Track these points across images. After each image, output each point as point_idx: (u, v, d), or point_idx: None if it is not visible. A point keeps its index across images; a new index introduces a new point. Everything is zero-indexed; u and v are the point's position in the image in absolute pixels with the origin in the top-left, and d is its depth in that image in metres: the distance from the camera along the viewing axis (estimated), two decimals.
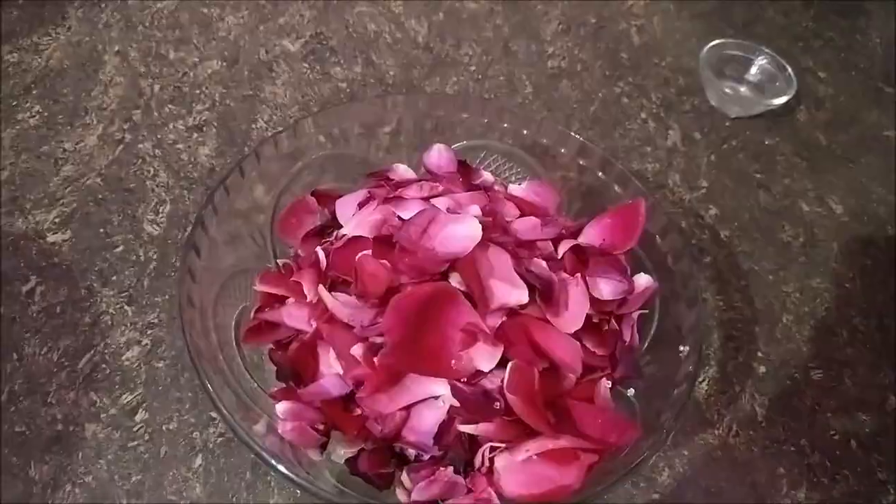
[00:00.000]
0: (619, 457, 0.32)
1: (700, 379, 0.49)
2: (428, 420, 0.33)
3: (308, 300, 0.37)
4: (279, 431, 0.35)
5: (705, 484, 0.45)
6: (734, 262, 0.56)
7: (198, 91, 0.62)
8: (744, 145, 0.64)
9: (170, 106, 0.61)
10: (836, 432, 0.48)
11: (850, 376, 0.50)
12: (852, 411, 0.49)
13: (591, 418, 0.34)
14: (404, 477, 0.33)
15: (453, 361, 0.33)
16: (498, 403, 0.32)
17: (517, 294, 0.34)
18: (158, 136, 0.58)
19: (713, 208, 0.59)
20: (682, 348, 0.35)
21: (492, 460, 0.33)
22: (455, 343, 0.33)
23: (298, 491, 0.43)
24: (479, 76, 0.66)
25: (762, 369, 0.50)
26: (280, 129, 0.44)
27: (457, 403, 0.32)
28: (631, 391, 0.37)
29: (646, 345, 0.38)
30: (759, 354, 0.51)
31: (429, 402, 0.33)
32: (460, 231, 0.36)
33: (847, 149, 0.65)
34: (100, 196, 0.54)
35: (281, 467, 0.31)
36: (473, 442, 0.33)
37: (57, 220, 0.53)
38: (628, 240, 0.39)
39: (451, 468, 0.33)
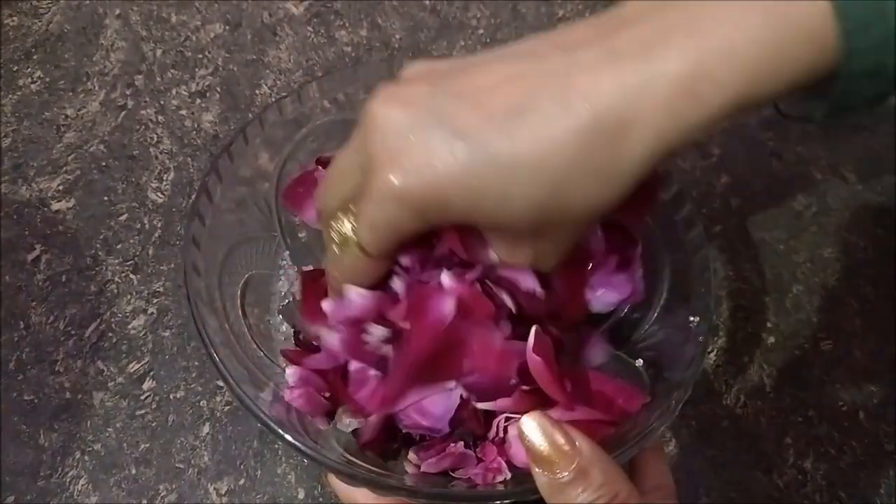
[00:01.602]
0: (628, 428, 0.32)
1: (708, 349, 0.49)
2: (440, 406, 0.32)
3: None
4: (286, 399, 0.35)
5: (712, 454, 0.45)
6: (744, 231, 0.55)
7: (200, 55, 0.61)
8: (757, 112, 0.62)
9: (172, 71, 0.60)
10: (844, 403, 0.48)
11: (859, 347, 0.50)
12: (861, 382, 0.49)
13: (599, 385, 0.34)
14: (411, 455, 0.33)
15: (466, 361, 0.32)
16: (513, 380, 0.32)
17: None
18: (161, 102, 0.58)
19: (725, 176, 0.58)
20: (691, 318, 0.35)
21: (505, 430, 0.33)
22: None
23: (306, 459, 0.43)
24: (488, 39, 0.64)
25: (771, 340, 0.50)
26: (284, 94, 0.43)
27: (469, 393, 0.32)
28: (640, 362, 0.37)
29: (655, 315, 0.38)
30: (769, 325, 0.51)
31: (442, 392, 0.33)
32: None
33: (862, 116, 0.63)
34: (103, 163, 0.54)
35: (288, 436, 0.31)
36: (489, 416, 0.33)
37: (60, 187, 0.52)
38: (641, 212, 0.38)
39: (461, 443, 0.33)
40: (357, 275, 0.31)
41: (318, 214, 0.33)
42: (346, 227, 0.29)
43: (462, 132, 0.25)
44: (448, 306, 0.31)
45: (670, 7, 0.25)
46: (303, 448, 0.31)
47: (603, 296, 0.36)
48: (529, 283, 0.31)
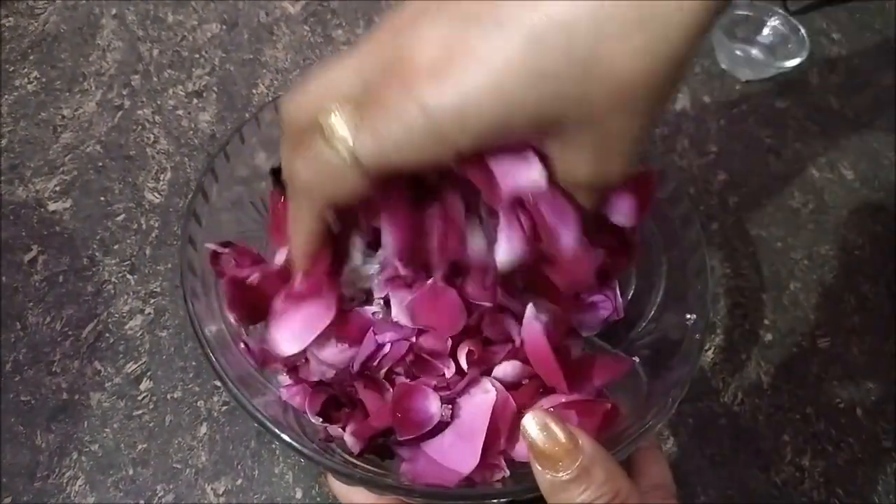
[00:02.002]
0: (626, 426, 0.32)
1: (706, 346, 0.49)
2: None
3: None
4: (283, 399, 0.35)
5: (710, 451, 0.45)
6: (742, 228, 0.55)
7: (197, 55, 0.61)
8: (754, 109, 0.62)
9: (169, 71, 0.60)
10: (841, 400, 0.48)
11: (856, 344, 0.50)
12: (858, 379, 0.49)
13: (589, 364, 0.34)
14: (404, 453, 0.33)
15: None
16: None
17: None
18: (158, 102, 0.57)
19: (722, 174, 0.58)
20: (688, 316, 0.35)
21: None
22: None
23: (303, 459, 0.43)
24: None
25: (769, 337, 0.50)
26: (281, 93, 0.43)
27: None
28: (636, 359, 0.37)
29: (652, 313, 0.38)
30: (766, 322, 0.51)
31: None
32: None
33: (859, 112, 0.63)
34: (100, 164, 0.54)
35: (284, 436, 0.31)
36: None
37: (57, 188, 0.52)
38: (640, 214, 0.38)
39: None
40: (331, 179, 0.26)
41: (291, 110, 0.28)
42: (341, 122, 0.25)
43: (501, 22, 0.22)
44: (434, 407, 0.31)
45: None
46: (299, 447, 0.31)
47: (587, 319, 0.36)
48: (570, 240, 0.28)
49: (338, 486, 0.32)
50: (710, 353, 0.49)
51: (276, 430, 0.31)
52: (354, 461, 0.32)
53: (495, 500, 0.29)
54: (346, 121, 0.25)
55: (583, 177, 0.26)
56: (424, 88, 0.23)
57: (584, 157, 0.25)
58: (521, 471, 0.31)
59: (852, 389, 0.48)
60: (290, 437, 0.31)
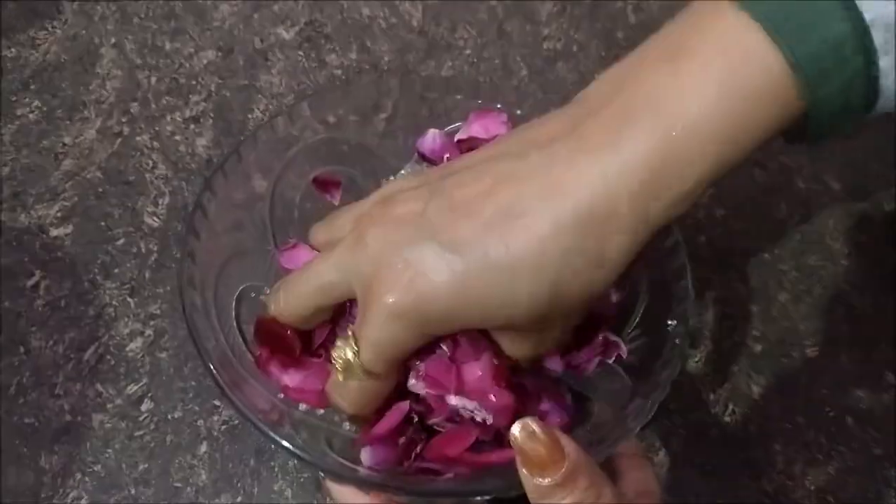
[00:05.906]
0: (607, 430, 0.33)
1: (695, 358, 0.49)
2: None
3: None
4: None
5: (701, 461, 0.46)
6: (729, 240, 0.56)
7: (194, 82, 0.62)
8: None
9: (167, 98, 0.61)
10: (831, 409, 0.48)
11: (845, 353, 0.51)
12: (848, 388, 0.49)
13: None
14: None
15: None
16: None
17: None
18: (156, 129, 0.59)
19: (709, 187, 0.59)
20: (670, 322, 0.36)
21: None
22: None
23: (302, 477, 0.44)
24: (475, 59, 0.66)
25: (758, 347, 0.51)
26: (276, 114, 0.44)
27: None
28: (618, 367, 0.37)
29: (636, 321, 0.39)
30: (755, 333, 0.51)
31: None
32: None
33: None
34: (100, 189, 0.55)
35: (284, 442, 0.32)
36: None
37: (59, 214, 0.53)
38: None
39: None
40: (365, 398, 0.32)
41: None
42: (348, 353, 0.30)
43: (457, 244, 0.27)
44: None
45: (629, 89, 0.26)
46: (299, 453, 0.31)
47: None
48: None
49: (336, 489, 0.33)
50: (699, 364, 0.49)
51: (274, 435, 0.32)
52: (352, 465, 0.33)
53: (480, 498, 0.30)
54: (348, 348, 0.31)
55: (523, 357, 0.32)
56: (388, 294, 0.28)
57: (527, 345, 0.31)
58: (508, 469, 0.32)
59: (842, 398, 0.49)
60: (290, 443, 0.32)
